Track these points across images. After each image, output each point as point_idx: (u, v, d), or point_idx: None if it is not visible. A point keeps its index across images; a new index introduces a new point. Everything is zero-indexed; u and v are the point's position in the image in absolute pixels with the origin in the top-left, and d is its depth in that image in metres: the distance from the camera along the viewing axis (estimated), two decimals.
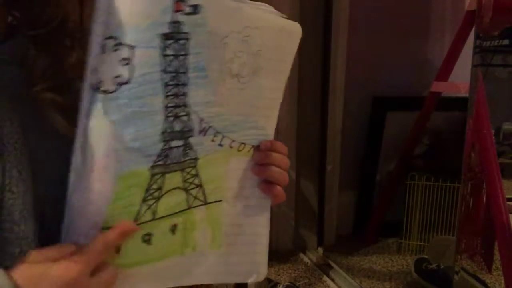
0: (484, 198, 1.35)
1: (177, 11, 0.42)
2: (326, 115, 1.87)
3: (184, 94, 0.45)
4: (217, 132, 0.49)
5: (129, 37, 0.40)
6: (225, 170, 0.52)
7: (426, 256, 1.72)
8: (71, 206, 0.43)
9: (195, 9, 0.43)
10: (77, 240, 0.42)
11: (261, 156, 0.54)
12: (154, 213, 0.46)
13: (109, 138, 0.42)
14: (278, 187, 0.56)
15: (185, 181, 0.48)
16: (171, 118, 0.44)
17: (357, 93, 1.95)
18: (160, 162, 0.44)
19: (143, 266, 0.47)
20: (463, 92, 1.43)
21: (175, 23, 0.42)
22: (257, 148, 0.54)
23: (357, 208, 2.06)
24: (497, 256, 1.40)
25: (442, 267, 1.62)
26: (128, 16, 0.40)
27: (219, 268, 0.54)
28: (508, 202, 1.25)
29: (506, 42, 1.36)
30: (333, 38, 1.80)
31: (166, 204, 0.46)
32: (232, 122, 0.50)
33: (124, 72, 0.40)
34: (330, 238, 1.97)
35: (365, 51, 1.93)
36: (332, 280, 1.70)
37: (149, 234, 0.46)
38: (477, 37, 1.29)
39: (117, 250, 0.44)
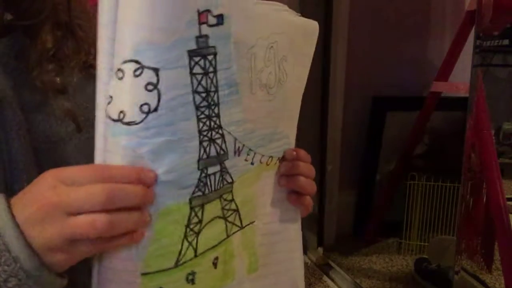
0: (484, 198, 1.35)
1: (201, 23, 0.37)
2: (326, 115, 1.86)
3: (217, 115, 0.40)
4: (250, 149, 0.45)
5: (152, 59, 0.35)
6: (255, 188, 0.48)
7: (426, 256, 1.72)
8: (104, 254, 0.38)
9: (220, 19, 0.38)
10: None
11: (288, 167, 0.51)
12: (195, 249, 0.41)
13: None
14: (308, 197, 0.53)
15: (223, 208, 0.44)
16: (206, 143, 0.39)
17: (357, 93, 1.94)
18: (198, 193, 0.40)
19: None
20: (463, 92, 1.42)
21: (202, 37, 0.37)
22: (282, 159, 0.51)
23: (357, 208, 2.06)
24: (497, 256, 1.40)
25: (442, 267, 1.62)
26: (149, 34, 0.34)
27: None
28: (508, 202, 1.25)
29: (506, 42, 1.36)
30: (333, 38, 1.80)
31: (206, 237, 0.42)
32: (261, 137, 0.46)
33: (150, 98, 0.35)
34: (330, 238, 1.97)
35: (365, 51, 1.92)
36: (332, 280, 1.70)
37: (192, 273, 0.41)
38: (477, 37, 1.29)
39: None
